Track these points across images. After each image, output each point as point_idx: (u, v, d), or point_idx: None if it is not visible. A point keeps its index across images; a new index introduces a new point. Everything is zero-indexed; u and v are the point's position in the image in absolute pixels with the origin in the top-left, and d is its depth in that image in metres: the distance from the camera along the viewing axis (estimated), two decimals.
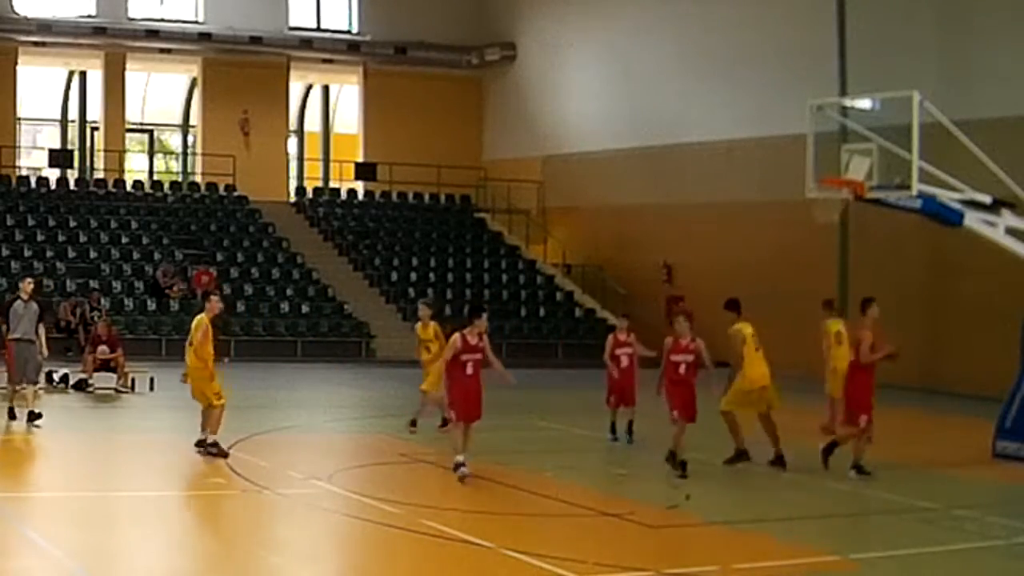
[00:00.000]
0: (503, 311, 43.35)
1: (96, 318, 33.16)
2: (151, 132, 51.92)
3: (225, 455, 19.71)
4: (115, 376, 29.17)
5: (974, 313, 32.45)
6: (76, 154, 48.64)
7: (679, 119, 42.65)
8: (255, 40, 47.77)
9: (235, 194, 47.34)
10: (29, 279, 23.71)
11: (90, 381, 28.83)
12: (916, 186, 21.33)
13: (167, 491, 18.20)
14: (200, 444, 20.02)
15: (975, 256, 26.97)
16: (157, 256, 42.36)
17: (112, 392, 28.64)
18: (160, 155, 53.38)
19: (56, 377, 28.88)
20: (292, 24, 49.13)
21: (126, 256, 42.22)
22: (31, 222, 42.75)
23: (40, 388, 24.27)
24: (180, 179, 49.70)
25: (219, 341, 21.01)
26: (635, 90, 44.26)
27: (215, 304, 20.42)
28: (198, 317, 20.26)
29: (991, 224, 22.25)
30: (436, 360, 22.41)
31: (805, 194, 22.86)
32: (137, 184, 47.34)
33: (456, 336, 18.87)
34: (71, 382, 28.94)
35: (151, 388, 28.94)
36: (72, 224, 43.22)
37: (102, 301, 36.96)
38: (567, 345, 42.81)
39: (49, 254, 41.27)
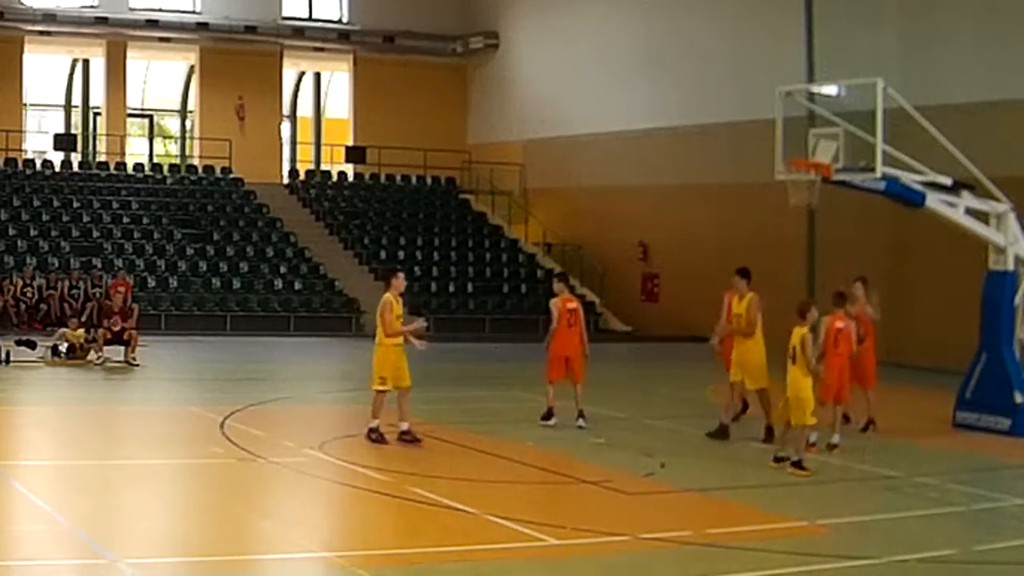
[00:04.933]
0: (487, 288, 43.41)
1: (98, 295, 32.88)
2: (151, 117, 51.79)
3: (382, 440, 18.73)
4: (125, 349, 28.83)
5: (936, 290, 32.42)
6: (79, 138, 48.53)
7: (654, 104, 42.55)
8: (250, 29, 47.62)
9: (231, 176, 47.15)
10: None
11: (100, 354, 28.51)
12: (880, 168, 21.29)
13: (167, 460, 18.10)
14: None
15: (936, 235, 26.91)
16: (157, 235, 42.25)
17: (125, 365, 28.42)
18: (159, 139, 53.18)
19: (62, 349, 28.75)
20: (285, 14, 48.95)
21: (127, 235, 42.03)
22: (37, 203, 42.55)
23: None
24: (179, 162, 49.49)
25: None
26: (612, 77, 44.13)
27: (400, 281, 19.57)
28: (384, 296, 19.46)
29: (951, 205, 22.23)
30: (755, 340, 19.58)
31: (774, 176, 22.83)
32: (138, 167, 47.11)
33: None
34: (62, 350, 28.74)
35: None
36: (76, 205, 43.05)
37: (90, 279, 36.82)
38: (547, 321, 42.45)
39: (54, 233, 41.09)
